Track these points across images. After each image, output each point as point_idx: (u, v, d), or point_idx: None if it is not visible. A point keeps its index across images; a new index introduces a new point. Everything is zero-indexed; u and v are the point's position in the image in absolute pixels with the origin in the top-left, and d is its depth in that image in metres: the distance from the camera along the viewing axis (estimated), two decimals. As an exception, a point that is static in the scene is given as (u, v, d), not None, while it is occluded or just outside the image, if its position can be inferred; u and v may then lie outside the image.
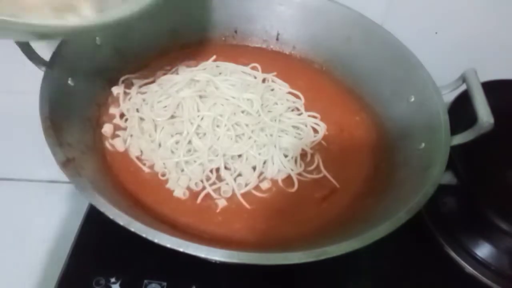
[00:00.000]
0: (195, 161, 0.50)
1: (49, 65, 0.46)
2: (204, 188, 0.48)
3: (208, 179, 0.49)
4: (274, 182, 0.51)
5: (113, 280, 0.48)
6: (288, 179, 0.52)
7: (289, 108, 0.58)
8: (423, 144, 0.49)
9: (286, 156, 0.53)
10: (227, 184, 0.49)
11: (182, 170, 0.49)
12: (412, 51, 0.57)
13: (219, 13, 0.66)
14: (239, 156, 0.51)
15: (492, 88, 0.48)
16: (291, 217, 0.48)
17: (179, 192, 0.47)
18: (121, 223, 0.35)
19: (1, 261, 0.54)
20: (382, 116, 0.59)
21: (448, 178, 0.48)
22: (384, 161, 0.55)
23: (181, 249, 0.34)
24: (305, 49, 0.68)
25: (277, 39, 0.68)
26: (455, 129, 0.47)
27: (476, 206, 0.51)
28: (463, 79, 0.50)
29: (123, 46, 0.58)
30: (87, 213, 0.54)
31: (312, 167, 0.53)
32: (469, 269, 0.52)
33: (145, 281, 0.48)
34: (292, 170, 0.52)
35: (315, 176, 0.53)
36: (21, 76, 0.59)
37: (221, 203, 0.48)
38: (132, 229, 0.35)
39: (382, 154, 0.56)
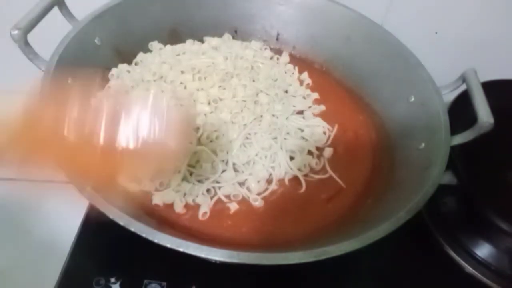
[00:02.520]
0: (198, 182, 0.49)
1: (49, 65, 0.46)
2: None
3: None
4: (281, 182, 0.51)
5: (113, 280, 0.48)
6: (295, 180, 0.51)
7: (294, 111, 0.59)
8: (423, 144, 0.49)
9: (292, 158, 0.52)
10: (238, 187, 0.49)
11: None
12: (412, 51, 0.57)
13: (219, 13, 0.66)
14: (247, 162, 0.51)
15: (492, 88, 0.48)
16: (296, 218, 0.48)
17: (178, 208, 0.47)
18: (121, 223, 0.35)
19: (1, 261, 0.54)
20: (382, 116, 0.59)
21: (448, 178, 0.48)
22: (384, 161, 0.55)
23: (181, 249, 0.34)
24: (305, 49, 0.68)
25: (277, 39, 0.69)
26: (455, 129, 0.47)
27: (476, 206, 0.51)
28: (463, 79, 0.50)
29: (123, 46, 0.58)
30: (87, 213, 0.54)
31: (319, 168, 0.53)
32: (469, 269, 0.52)
33: (145, 281, 0.48)
34: (299, 170, 0.51)
35: (321, 176, 0.53)
36: (21, 76, 0.59)
37: (233, 206, 0.48)
38: (132, 229, 0.35)
39: (382, 154, 0.56)
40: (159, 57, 0.59)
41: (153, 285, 0.48)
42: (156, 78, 0.56)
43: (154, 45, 0.62)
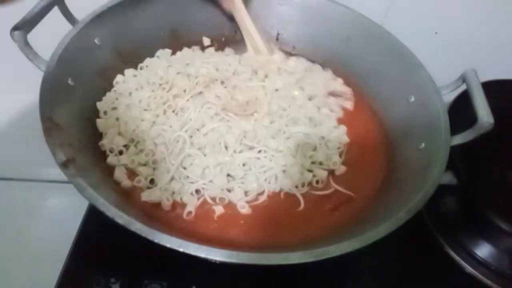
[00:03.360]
0: (190, 183, 0.48)
1: (49, 65, 0.46)
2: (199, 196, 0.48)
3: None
4: (275, 194, 0.49)
5: (113, 280, 0.48)
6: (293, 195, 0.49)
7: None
8: (423, 144, 0.49)
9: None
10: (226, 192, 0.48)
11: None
12: (412, 51, 0.57)
13: (219, 13, 0.66)
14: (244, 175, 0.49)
15: (492, 88, 0.48)
16: (292, 229, 0.47)
17: (165, 206, 0.46)
18: (121, 223, 0.35)
19: (1, 261, 0.54)
20: (382, 116, 0.59)
21: (448, 178, 0.48)
22: (384, 161, 0.55)
23: (181, 249, 0.34)
24: (305, 49, 0.68)
25: (277, 39, 0.68)
26: (455, 129, 0.47)
27: (476, 206, 0.51)
28: (463, 79, 0.50)
29: (123, 46, 0.58)
30: (87, 213, 0.54)
31: (321, 185, 0.51)
32: (469, 269, 0.52)
33: (145, 281, 0.48)
34: (296, 187, 0.50)
35: (324, 192, 0.50)
36: (21, 76, 0.59)
37: (219, 209, 0.47)
38: (132, 229, 0.35)
39: (382, 154, 0.56)
40: (166, 61, 0.60)
41: (153, 285, 0.48)
42: (163, 82, 0.56)
43: (161, 52, 0.62)
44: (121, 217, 0.36)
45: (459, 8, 0.66)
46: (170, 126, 0.52)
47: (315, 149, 0.53)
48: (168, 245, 0.34)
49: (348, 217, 0.48)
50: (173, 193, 0.47)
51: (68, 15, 0.52)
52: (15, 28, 0.44)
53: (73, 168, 0.39)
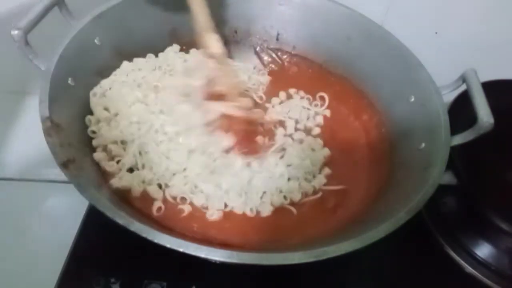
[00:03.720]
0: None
1: (49, 65, 0.46)
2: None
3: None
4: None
5: (113, 280, 0.48)
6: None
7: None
8: (423, 144, 0.49)
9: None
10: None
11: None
12: (412, 51, 0.57)
13: (219, 13, 0.66)
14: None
15: (492, 88, 0.48)
16: (292, 232, 0.47)
17: (135, 192, 0.46)
18: (121, 223, 0.35)
19: (1, 261, 0.54)
20: (382, 116, 0.59)
21: (448, 178, 0.48)
22: (384, 161, 0.55)
23: (181, 249, 0.34)
24: (305, 49, 0.68)
25: (277, 39, 0.68)
26: (455, 129, 0.47)
27: (476, 206, 0.51)
28: (463, 79, 0.50)
29: (123, 46, 0.58)
30: (87, 213, 0.54)
31: (311, 192, 0.51)
32: (469, 269, 0.52)
33: (145, 281, 0.48)
34: (285, 198, 0.49)
35: (313, 197, 0.50)
36: (21, 76, 0.59)
37: (187, 208, 0.46)
38: (132, 229, 0.35)
39: (382, 154, 0.56)
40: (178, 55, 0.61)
41: (153, 285, 0.48)
42: (169, 69, 0.57)
43: (171, 48, 0.62)
44: (121, 217, 0.36)
45: (460, 8, 0.66)
46: (149, 108, 0.52)
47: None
48: (168, 245, 0.34)
49: (348, 217, 0.48)
50: (144, 181, 0.47)
51: (68, 15, 0.52)
52: (15, 28, 0.44)
53: (73, 168, 0.39)
